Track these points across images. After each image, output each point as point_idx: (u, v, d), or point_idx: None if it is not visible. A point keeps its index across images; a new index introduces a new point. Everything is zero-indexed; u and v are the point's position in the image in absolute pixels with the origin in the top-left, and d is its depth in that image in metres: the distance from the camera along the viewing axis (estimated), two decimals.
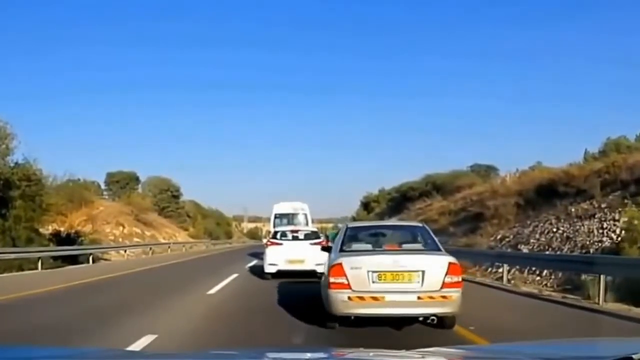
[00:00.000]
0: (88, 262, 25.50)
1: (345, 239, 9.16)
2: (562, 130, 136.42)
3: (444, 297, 7.88)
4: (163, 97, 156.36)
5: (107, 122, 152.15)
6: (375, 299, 7.89)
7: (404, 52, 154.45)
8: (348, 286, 7.96)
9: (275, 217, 25.92)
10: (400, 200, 55.37)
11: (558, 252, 18.89)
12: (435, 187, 48.82)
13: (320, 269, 15.95)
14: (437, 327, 8.21)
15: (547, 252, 19.38)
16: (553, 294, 13.62)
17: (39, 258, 20.95)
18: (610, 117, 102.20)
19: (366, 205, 71.24)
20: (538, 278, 17.78)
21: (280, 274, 16.52)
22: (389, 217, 53.61)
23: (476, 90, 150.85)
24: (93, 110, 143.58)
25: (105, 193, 60.41)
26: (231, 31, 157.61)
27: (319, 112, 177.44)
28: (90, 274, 18.84)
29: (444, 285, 7.91)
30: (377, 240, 9.65)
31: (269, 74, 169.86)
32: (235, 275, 17.73)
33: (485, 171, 51.84)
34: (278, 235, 18.21)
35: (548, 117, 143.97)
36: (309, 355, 3.49)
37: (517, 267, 18.74)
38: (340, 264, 8.13)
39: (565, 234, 19.98)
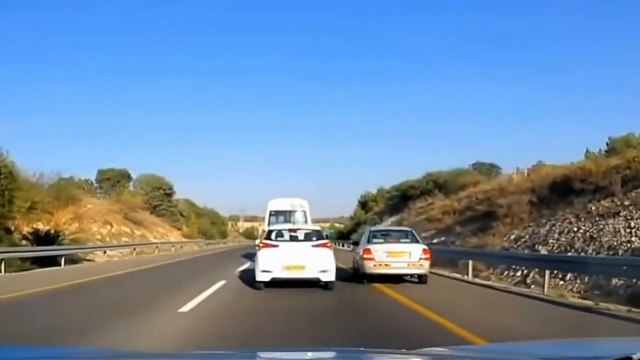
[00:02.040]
0: (64, 264, 23.35)
1: (369, 236, 17.13)
2: (560, 130, 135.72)
3: (420, 265, 15.40)
4: (158, 93, 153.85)
5: (100, 120, 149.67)
6: (386, 265, 15.39)
7: (400, 50, 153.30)
8: (373, 259, 15.43)
9: (271, 215, 23.40)
10: (401, 199, 53.61)
11: (582, 254, 17.16)
12: (437, 185, 47.36)
13: (325, 277, 13.62)
14: (419, 284, 15.48)
15: (569, 254, 17.65)
16: (610, 306, 11.16)
17: (2, 260, 18.68)
18: (608, 117, 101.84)
19: (364, 205, 69.82)
20: (561, 282, 16.04)
21: (275, 282, 13.55)
22: (389, 216, 52.31)
23: (475, 90, 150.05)
24: (86, 108, 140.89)
25: (98, 191, 58.49)
26: (228, 21, 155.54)
27: (316, 110, 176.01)
28: (53, 279, 16.08)
29: (420, 259, 15.38)
30: (386, 237, 17.48)
31: (265, 71, 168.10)
32: (221, 283, 14.92)
33: (488, 169, 50.48)
34: (273, 235, 14.66)
35: (546, 116, 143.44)
36: (309, 355, 3.45)
37: (536, 269, 17.21)
38: (369, 248, 15.78)
39: (588, 234, 18.25)
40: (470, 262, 18.49)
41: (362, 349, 4.39)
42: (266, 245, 14.22)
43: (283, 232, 15.10)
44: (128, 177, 63.00)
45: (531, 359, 2.71)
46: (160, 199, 60.80)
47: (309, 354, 3.44)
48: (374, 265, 15.27)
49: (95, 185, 60.25)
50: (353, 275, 17.03)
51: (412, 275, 15.91)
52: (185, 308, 10.38)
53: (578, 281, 15.75)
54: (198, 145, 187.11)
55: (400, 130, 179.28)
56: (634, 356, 2.13)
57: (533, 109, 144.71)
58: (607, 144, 34.45)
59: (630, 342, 3.27)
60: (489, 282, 17.47)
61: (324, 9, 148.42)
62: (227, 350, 4.66)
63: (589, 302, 12.04)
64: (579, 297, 13.78)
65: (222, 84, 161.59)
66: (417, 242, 16.23)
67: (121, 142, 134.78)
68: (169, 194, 63.41)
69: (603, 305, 11.32)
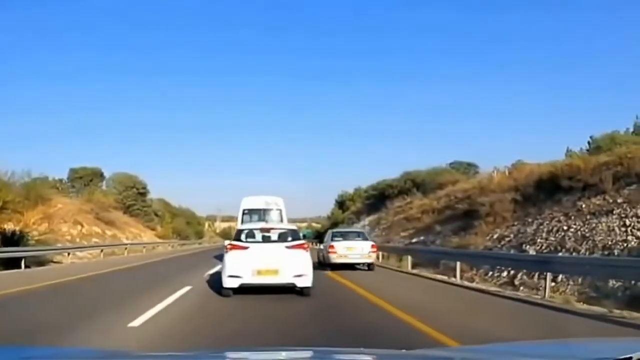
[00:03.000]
0: (24, 266, 21.91)
1: (332, 236, 22.68)
2: (538, 130, 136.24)
3: (369, 256, 21.14)
4: (138, 92, 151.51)
5: (75, 117, 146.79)
6: (345, 256, 20.85)
7: (383, 51, 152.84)
8: (336, 252, 21.00)
9: (244, 214, 22.07)
10: (378, 198, 52.78)
11: (574, 254, 16.26)
12: (415, 184, 46.71)
13: (301, 282, 12.20)
14: (368, 271, 20.30)
15: (560, 254, 16.73)
16: (624, 313, 9.90)
17: None
18: (588, 117, 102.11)
19: (341, 204, 68.95)
20: (553, 284, 15.07)
21: (245, 289, 12.05)
22: (366, 216, 51.60)
23: (454, 90, 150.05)
24: (64, 107, 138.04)
25: (70, 190, 56.63)
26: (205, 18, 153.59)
27: (293, 111, 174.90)
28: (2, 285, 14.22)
29: (370, 252, 21.14)
30: (345, 236, 22.61)
31: (246, 69, 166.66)
32: (186, 289, 13.29)
33: (466, 168, 49.97)
34: (242, 236, 13.00)
35: (525, 116, 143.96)
36: (284, 354, 3.39)
37: (524, 270, 16.46)
38: (333, 244, 21.31)
39: (579, 233, 17.39)
40: (458, 264, 17.54)
41: (362, 348, 4.45)
42: (235, 247, 12.62)
43: (254, 232, 13.57)
44: (101, 175, 61.11)
45: (531, 359, 2.70)
46: (133, 199, 59.16)
47: (284, 354, 3.39)
48: (336, 257, 20.94)
49: (67, 184, 58.42)
50: (317, 267, 18.70)
51: (363, 264, 21.30)
52: (137, 322, 8.81)
53: (571, 282, 14.83)
54: (175, 144, 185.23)
55: (379, 129, 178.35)
56: (633, 356, 2.11)
57: (511, 108, 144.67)
58: (589, 142, 34.01)
59: (630, 342, 3.25)
60: (481, 286, 16.38)
61: (323, 9, 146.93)
62: (206, 351, 4.70)
63: (599, 309, 10.76)
64: (581, 302, 12.63)
65: (218, 84, 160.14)
66: (367, 240, 22.34)
67: (94, 141, 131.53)
68: (142, 193, 61.81)
69: (617, 312, 10.12)
